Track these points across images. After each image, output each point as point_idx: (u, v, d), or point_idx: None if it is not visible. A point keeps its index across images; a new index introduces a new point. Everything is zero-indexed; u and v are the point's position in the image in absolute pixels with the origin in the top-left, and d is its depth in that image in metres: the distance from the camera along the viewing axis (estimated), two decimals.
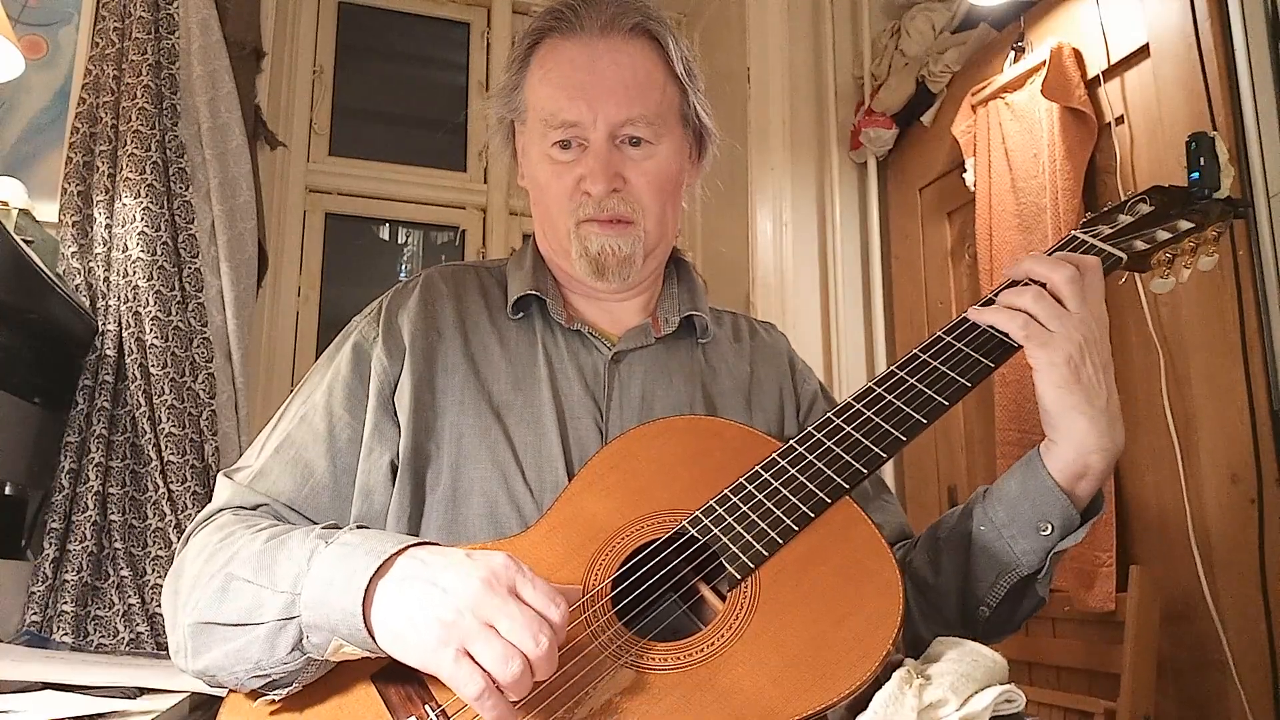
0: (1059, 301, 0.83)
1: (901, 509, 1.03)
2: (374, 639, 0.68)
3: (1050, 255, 0.88)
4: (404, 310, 0.97)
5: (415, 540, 0.72)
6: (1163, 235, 0.93)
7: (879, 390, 0.84)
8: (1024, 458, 0.86)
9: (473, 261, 1.08)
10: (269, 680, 0.72)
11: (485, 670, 0.63)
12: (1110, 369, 0.83)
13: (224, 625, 0.73)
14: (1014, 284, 0.88)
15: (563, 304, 1.00)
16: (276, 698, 0.73)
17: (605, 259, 0.95)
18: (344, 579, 0.69)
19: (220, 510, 0.87)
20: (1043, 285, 0.84)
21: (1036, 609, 0.89)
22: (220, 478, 0.90)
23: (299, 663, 0.70)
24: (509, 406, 0.93)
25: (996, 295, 0.87)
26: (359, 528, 0.76)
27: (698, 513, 0.79)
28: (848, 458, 0.80)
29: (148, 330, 1.76)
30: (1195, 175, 0.96)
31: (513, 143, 1.03)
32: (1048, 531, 0.83)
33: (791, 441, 0.83)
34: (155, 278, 1.79)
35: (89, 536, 1.63)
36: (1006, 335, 0.83)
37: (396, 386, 0.92)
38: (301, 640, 0.70)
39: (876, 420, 0.82)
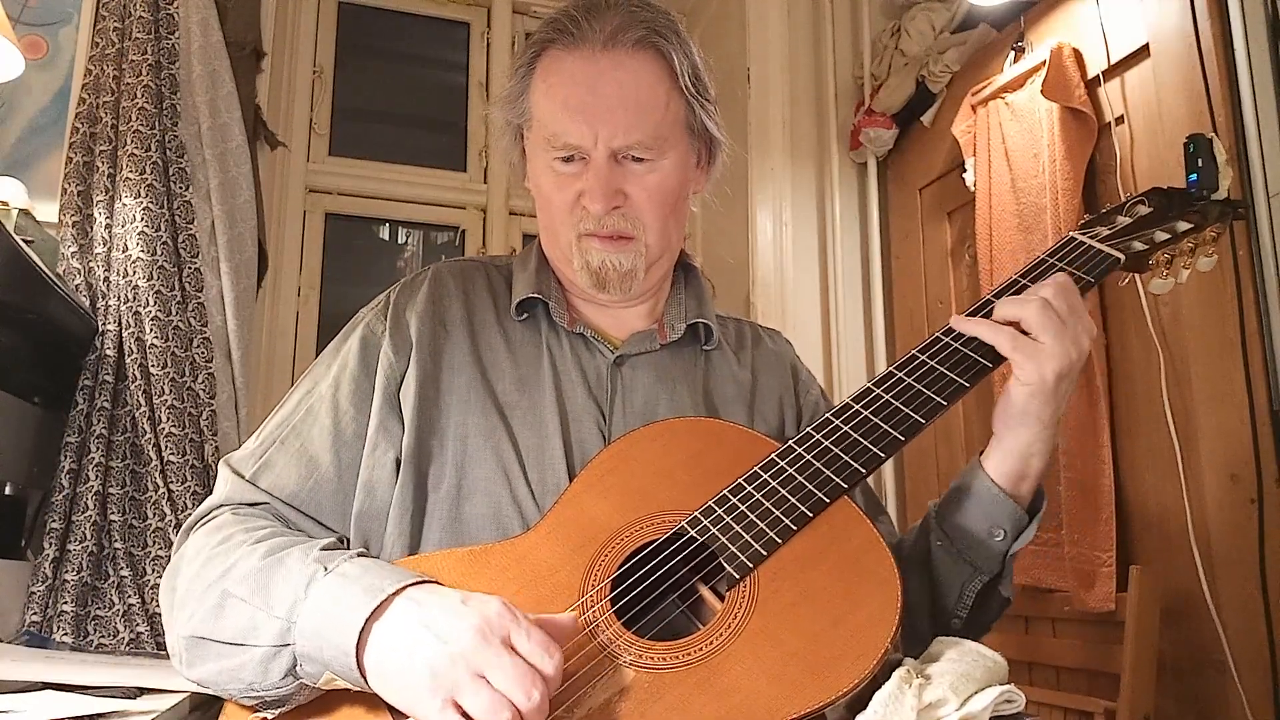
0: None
1: (895, 529, 1.04)
2: (365, 680, 0.68)
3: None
4: (412, 305, 0.97)
5: (413, 579, 0.71)
6: (1161, 236, 0.93)
7: (877, 391, 0.85)
8: (965, 468, 0.90)
9: (481, 258, 1.08)
10: (261, 700, 0.72)
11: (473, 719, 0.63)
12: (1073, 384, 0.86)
13: (218, 642, 0.74)
14: (1014, 287, 0.89)
15: (565, 307, 1.00)
16: (269, 717, 0.73)
17: (606, 273, 0.94)
18: (340, 616, 0.69)
19: (220, 507, 0.86)
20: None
21: (1004, 608, 0.93)
22: (222, 466, 0.90)
23: (291, 687, 0.71)
24: (513, 407, 0.92)
25: (996, 298, 0.88)
26: (359, 554, 0.76)
27: (696, 513, 0.79)
28: (846, 458, 0.80)
29: (148, 330, 1.76)
30: (1193, 177, 0.96)
31: (520, 144, 1.02)
32: (1000, 537, 0.87)
33: (790, 442, 0.83)
34: (155, 278, 1.79)
35: (89, 536, 1.63)
36: (995, 348, 0.84)
37: (402, 382, 0.92)
38: (295, 667, 0.70)
39: (875, 421, 0.82)
